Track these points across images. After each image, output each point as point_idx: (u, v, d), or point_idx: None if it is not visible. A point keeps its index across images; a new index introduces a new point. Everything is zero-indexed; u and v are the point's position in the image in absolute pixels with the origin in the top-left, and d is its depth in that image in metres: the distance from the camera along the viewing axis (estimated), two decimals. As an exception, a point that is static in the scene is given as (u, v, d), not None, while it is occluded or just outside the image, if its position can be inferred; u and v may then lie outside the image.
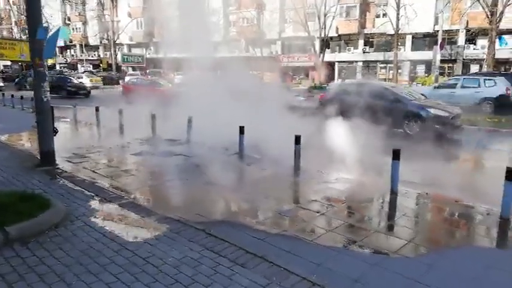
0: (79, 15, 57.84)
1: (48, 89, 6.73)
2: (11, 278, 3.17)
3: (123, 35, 50.94)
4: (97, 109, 11.97)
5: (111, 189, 5.61)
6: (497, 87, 15.83)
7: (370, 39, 39.61)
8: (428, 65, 36.39)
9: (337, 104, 12.12)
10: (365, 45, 39.68)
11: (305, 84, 35.55)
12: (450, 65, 36.46)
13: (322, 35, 36.26)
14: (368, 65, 40.22)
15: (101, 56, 57.73)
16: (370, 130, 8.71)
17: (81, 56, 57.99)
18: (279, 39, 42.08)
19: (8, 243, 3.75)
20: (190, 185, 6.02)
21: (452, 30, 34.36)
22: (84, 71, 47.16)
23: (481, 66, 35.01)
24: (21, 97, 17.39)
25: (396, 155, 5.65)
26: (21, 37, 50.91)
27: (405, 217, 4.87)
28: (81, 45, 57.08)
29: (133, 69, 49.51)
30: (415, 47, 37.89)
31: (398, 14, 32.35)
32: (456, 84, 17.36)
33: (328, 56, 38.46)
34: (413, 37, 37.38)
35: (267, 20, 41.45)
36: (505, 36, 33.31)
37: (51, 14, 54.70)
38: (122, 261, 3.46)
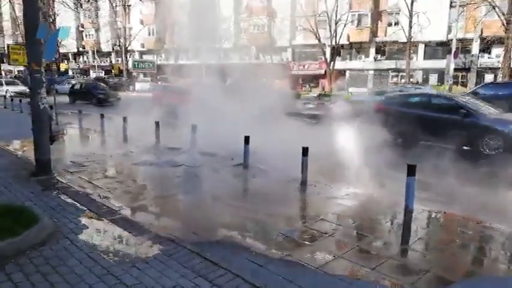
0: (92, 22, 58.52)
1: (45, 95, 6.45)
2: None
3: (134, 41, 51.31)
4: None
5: (105, 203, 5.26)
6: None
7: (382, 48, 39.11)
8: (441, 74, 35.70)
9: (397, 117, 10.63)
10: (376, 54, 39.18)
11: (315, 92, 35.16)
12: (464, 73, 35.74)
13: (333, 43, 35.87)
14: (380, 73, 39.68)
15: (113, 62, 58.22)
16: (437, 150, 8.15)
17: (93, 62, 58.52)
18: (290, 47, 41.82)
19: (-18, 265, 3.42)
20: (190, 199, 5.65)
21: (466, 38, 33.70)
22: (73, 76, 47.85)
23: (495, 76, 34.28)
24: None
25: (412, 170, 5.21)
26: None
27: (423, 241, 4.43)
28: (93, 52, 57.61)
29: (144, 75, 49.75)
30: (427, 56, 37.28)
31: (411, 22, 31.84)
32: (394, 91, 19.21)
33: (339, 64, 38.01)
34: (425, 45, 36.80)
35: (278, 27, 41.26)
36: (521, 45, 32.52)
37: (65, 21, 55.72)
38: (103, 290, 3.10)
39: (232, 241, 4.20)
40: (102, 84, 29.36)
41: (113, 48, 55.12)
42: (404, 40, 33.93)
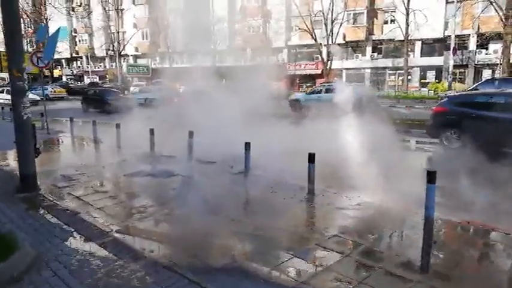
0: (85, 27, 57.91)
1: (29, 104, 5.95)
2: None
3: (128, 45, 50.77)
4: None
5: (95, 223, 4.77)
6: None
7: (378, 46, 38.76)
8: (439, 70, 35.40)
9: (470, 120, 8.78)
10: (373, 52, 38.82)
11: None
12: (462, 70, 35.38)
13: (330, 42, 35.48)
14: (376, 71, 39.33)
15: (107, 67, 57.62)
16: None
17: (87, 67, 57.90)
18: (285, 47, 41.41)
19: None
20: (188, 215, 5.14)
21: (463, 35, 33.34)
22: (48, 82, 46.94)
23: (493, 71, 33.99)
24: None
25: (431, 177, 4.74)
26: (27, 49, 51.02)
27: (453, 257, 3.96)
28: (87, 57, 57.00)
29: (139, 79, 49.18)
30: (424, 53, 36.95)
31: (407, 19, 31.49)
32: (322, 90, 20.47)
33: (336, 64, 37.62)
34: (422, 43, 36.45)
35: (273, 28, 40.85)
36: (519, 40, 32.24)
37: (58, 26, 55.09)
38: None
39: (237, 266, 3.71)
40: (116, 90, 26.37)
41: (107, 53, 54.52)
42: (401, 38, 33.59)
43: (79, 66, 61.26)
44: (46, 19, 56.52)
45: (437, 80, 35.23)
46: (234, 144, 7.07)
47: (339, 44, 37.70)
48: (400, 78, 37.57)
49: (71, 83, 52.36)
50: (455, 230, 4.71)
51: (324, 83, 25.76)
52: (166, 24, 44.26)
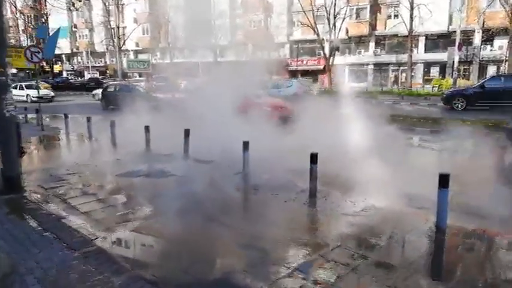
0: (85, 22, 57.47)
1: (12, 101, 5.58)
2: None
3: (129, 41, 50.34)
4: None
5: (79, 230, 4.40)
6: (293, 87, 21.12)
7: (382, 41, 38.25)
8: (443, 66, 34.89)
9: None
10: (376, 47, 38.31)
11: (314, 88, 34.27)
12: (466, 66, 34.86)
13: (332, 38, 34.95)
14: (379, 67, 38.83)
15: (108, 62, 57.24)
16: None
17: (87, 62, 57.54)
18: (287, 42, 40.92)
19: None
20: (180, 222, 4.76)
21: (467, 30, 32.77)
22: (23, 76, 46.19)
23: (498, 68, 33.44)
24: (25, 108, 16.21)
25: (444, 181, 4.36)
26: (27, 45, 50.63)
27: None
28: (87, 52, 56.62)
29: (140, 75, 48.74)
30: (428, 48, 36.42)
31: (412, 14, 30.93)
32: (282, 84, 21.79)
33: (338, 59, 37.12)
34: (426, 38, 35.92)
35: (275, 22, 40.35)
36: (525, 36, 31.67)
37: (58, 21, 54.66)
38: None
39: (232, 281, 3.34)
40: (139, 86, 23.94)
41: (107, 49, 54.10)
42: (405, 33, 33.04)
43: (79, 62, 60.90)
44: (46, 14, 56.21)
45: (441, 76, 34.72)
46: (233, 142, 6.69)
47: (341, 40, 37.20)
48: (404, 74, 37.10)
49: (71, 79, 52.03)
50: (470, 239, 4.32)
51: (281, 78, 26.54)
52: (167, 19, 43.83)
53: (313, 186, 5.60)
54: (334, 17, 34.49)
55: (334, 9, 34.14)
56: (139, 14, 50.11)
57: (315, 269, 3.56)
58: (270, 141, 7.70)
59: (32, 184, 6.19)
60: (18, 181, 5.74)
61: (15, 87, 27.71)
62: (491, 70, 34.07)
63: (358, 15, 37.16)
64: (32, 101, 24.98)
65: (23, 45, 47.44)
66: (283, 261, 3.69)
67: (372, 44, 38.32)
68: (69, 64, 62.12)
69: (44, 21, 57.20)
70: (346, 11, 35.13)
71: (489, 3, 28.30)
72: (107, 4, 49.11)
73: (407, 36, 32.76)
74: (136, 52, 53.90)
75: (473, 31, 33.63)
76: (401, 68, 37.59)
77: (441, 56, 34.19)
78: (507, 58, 27.37)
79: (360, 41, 38.93)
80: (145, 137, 8.83)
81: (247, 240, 4.13)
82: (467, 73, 35.07)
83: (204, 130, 8.14)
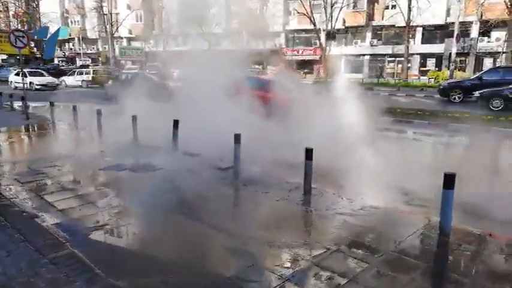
0: (77, 7, 56.22)
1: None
2: None
3: (122, 28, 49.35)
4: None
5: (51, 231, 4.03)
6: None
7: (378, 32, 37.78)
8: (439, 58, 34.59)
9: None
10: (373, 38, 37.85)
11: (310, 79, 33.83)
12: (462, 58, 34.57)
13: (329, 27, 34.41)
14: (376, 58, 38.43)
15: (100, 49, 56.19)
16: None
17: (79, 49, 56.45)
18: (283, 32, 40.30)
19: None
20: (164, 223, 4.40)
21: (465, 22, 32.40)
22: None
23: (494, 60, 33.21)
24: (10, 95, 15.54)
25: (449, 181, 4.03)
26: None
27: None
28: (79, 39, 55.53)
29: (132, 63, 47.88)
30: (425, 40, 36.04)
31: (410, 4, 30.47)
32: None
33: (335, 50, 36.63)
34: (423, 29, 35.51)
35: (271, 11, 39.63)
36: (522, 28, 31.38)
37: (49, 6, 53.37)
38: None
39: (216, 293, 3.01)
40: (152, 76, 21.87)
41: (100, 35, 53.04)
42: (402, 24, 32.62)
43: (71, 48, 59.73)
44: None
45: (437, 68, 34.43)
46: (226, 134, 6.30)
47: (338, 30, 36.68)
48: (400, 65, 36.74)
49: (62, 65, 51.02)
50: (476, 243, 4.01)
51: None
52: (160, 6, 42.91)
53: (307, 183, 5.27)
54: (331, 6, 33.93)
55: (331, -2, 33.60)
56: (133, 0, 49.07)
57: (309, 278, 3.23)
58: (261, 133, 7.36)
59: (7, 178, 5.80)
60: (-9, 175, 5.35)
61: (17, 74, 25.90)
62: (488, 62, 33.84)
63: (355, 5, 36.59)
64: (36, 89, 24.16)
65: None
66: (274, 269, 3.35)
67: (368, 35, 37.87)
68: (61, 50, 60.92)
69: (35, 5, 56.00)
70: (343, 0, 34.55)
71: (488, -5, 27.94)
72: (99, -11, 48.02)
73: (404, 27, 32.35)
74: (129, 39, 52.93)
75: (471, 23, 33.29)
76: (397, 59, 37.23)
77: (438, 47, 33.87)
78: (504, 50, 27.12)
79: (357, 32, 38.44)
80: (132, 127, 8.43)
81: (236, 245, 3.79)
82: (463, 65, 34.81)
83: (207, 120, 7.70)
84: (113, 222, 4.31)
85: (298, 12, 35.93)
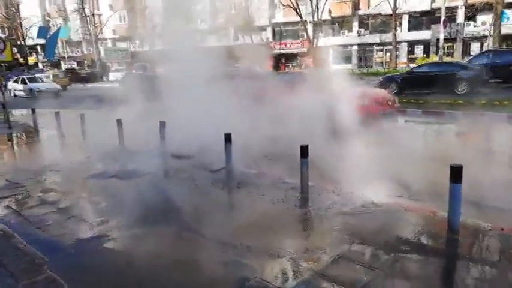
0: (59, 10, 55.15)
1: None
2: None
3: (106, 29, 48.55)
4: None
5: (28, 251, 3.68)
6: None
7: (365, 21, 37.63)
8: (427, 45, 34.53)
9: None
10: (360, 28, 37.69)
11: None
12: (450, 44, 34.56)
13: (315, 19, 34.09)
14: (364, 48, 38.31)
15: (85, 52, 55.25)
16: None
17: (63, 53, 55.43)
18: (269, 25, 39.92)
19: None
20: (152, 235, 4.04)
21: (450, 6, 32.33)
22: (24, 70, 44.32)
23: (481, 44, 33.25)
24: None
25: (456, 174, 3.77)
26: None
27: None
28: (62, 42, 54.51)
29: (118, 64, 47.11)
30: (411, 27, 35.97)
31: (395, -9, 30.33)
32: None
33: (322, 41, 36.37)
34: (410, 16, 35.41)
35: (256, 5, 39.19)
36: (507, 11, 31.42)
37: (29, 9, 52.23)
38: None
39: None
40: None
41: (84, 38, 52.10)
42: (389, 12, 32.49)
43: (55, 53, 58.63)
44: (17, 3, 53.67)
45: (425, 55, 34.37)
46: (217, 134, 5.98)
47: (324, 21, 36.41)
48: (388, 54, 36.63)
49: (47, 70, 50.06)
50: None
51: None
52: (143, 5, 42.15)
53: (304, 183, 4.97)
54: (317, -3, 33.66)
55: (317, -11, 33.30)
56: (115, 1, 48.22)
57: (314, 291, 2.94)
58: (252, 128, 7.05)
59: (-14, 192, 5.42)
60: (-36, 192, 4.97)
61: (16, 81, 25.75)
62: (475, 47, 33.90)
63: (340, -6, 36.37)
64: (36, 96, 22.95)
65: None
66: (275, 281, 3.05)
67: (355, 24, 37.70)
68: (45, 55, 59.80)
69: (15, 10, 54.73)
70: (328, -10, 34.30)
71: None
72: (80, -10, 47.12)
73: (391, 15, 32.23)
74: (114, 40, 52.10)
75: (457, 8, 33.27)
76: (385, 48, 37.13)
77: (425, 34, 33.82)
78: (491, 34, 27.09)
79: (344, 22, 38.26)
80: (117, 131, 8.06)
81: (231, 256, 3.48)
82: (451, 51, 34.82)
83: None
84: (97, 239, 3.97)
85: (284, 5, 35.56)
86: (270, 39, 40.33)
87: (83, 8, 47.55)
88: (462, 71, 15.53)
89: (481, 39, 33.22)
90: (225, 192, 5.34)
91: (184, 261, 3.51)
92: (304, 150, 4.96)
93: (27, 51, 56.36)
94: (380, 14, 34.71)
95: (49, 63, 57.52)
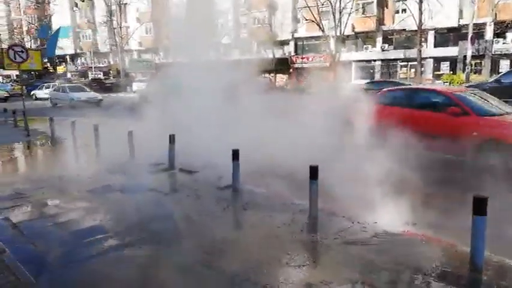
0: (88, 22, 56.98)
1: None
2: None
3: (132, 40, 49.71)
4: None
5: (17, 269, 3.50)
6: None
7: (389, 36, 37.03)
8: (453, 62, 33.60)
9: None
10: (384, 43, 37.10)
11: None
12: (478, 61, 33.51)
13: (338, 34, 33.82)
14: (387, 63, 37.63)
15: (111, 62, 56.68)
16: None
17: (91, 63, 57.09)
18: (292, 40, 39.88)
19: None
20: (148, 259, 3.80)
21: (479, 23, 31.45)
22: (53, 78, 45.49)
23: (511, 61, 32.13)
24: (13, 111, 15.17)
25: (481, 206, 3.38)
26: (31, 46, 50.23)
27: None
28: (91, 53, 56.21)
29: (143, 75, 48.02)
30: (438, 43, 35.13)
31: (421, 7, 29.73)
32: None
33: (344, 56, 35.98)
34: (436, 32, 34.63)
35: (279, 20, 39.31)
36: (539, 28, 30.34)
37: (60, 22, 54.23)
38: None
39: None
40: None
41: (111, 49, 53.53)
42: (413, 27, 31.85)
43: (83, 63, 60.41)
44: (49, 16, 55.86)
45: (451, 72, 33.45)
46: (228, 148, 5.75)
47: (347, 36, 36.09)
48: (413, 70, 35.86)
49: (75, 80, 51.55)
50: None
51: None
52: (169, 19, 43.03)
53: (313, 206, 4.65)
54: (340, 12, 33.39)
55: (340, 4, 33.04)
56: (142, 13, 49.50)
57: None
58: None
59: (-12, 203, 5.34)
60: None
61: (58, 90, 25.19)
62: (504, 64, 32.76)
63: (364, 10, 36.00)
64: (77, 106, 21.93)
65: (27, 46, 47.00)
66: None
67: (379, 40, 37.16)
68: (73, 65, 61.75)
69: (47, 22, 56.95)
70: (352, 5, 34.00)
71: (503, -5, 27.06)
72: (109, 4, 48.55)
73: (416, 31, 31.59)
74: (139, 52, 53.23)
75: (485, 24, 32.34)
76: (409, 63, 36.38)
77: (451, 50, 32.92)
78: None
79: (367, 37, 37.77)
80: (128, 143, 7.95)
81: None
82: (479, 68, 33.77)
83: None
84: (89, 258, 3.76)
85: (306, 20, 35.49)
86: (292, 53, 40.23)
87: (111, 21, 48.95)
88: None
89: (510, 56, 32.11)
90: (229, 213, 5.06)
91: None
92: (314, 171, 4.65)
93: (57, 61, 58.32)
94: (405, 29, 34.07)
95: (77, 73, 59.34)
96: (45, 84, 34.75)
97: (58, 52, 56.07)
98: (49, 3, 56.30)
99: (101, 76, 53.55)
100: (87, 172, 7.09)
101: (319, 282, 3.24)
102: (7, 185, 6.29)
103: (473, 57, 31.47)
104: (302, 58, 38.30)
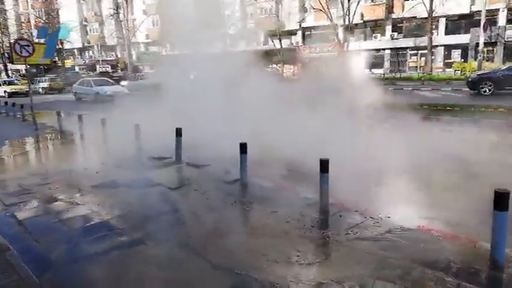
0: (95, 15, 56.94)
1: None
2: None
3: (139, 33, 49.57)
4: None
5: (20, 269, 3.42)
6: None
7: (399, 24, 36.32)
8: (465, 49, 32.89)
9: None
10: (393, 31, 36.43)
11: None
12: (490, 48, 32.72)
13: (346, 22, 33.24)
14: (397, 52, 36.97)
15: (119, 55, 56.70)
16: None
17: (99, 56, 57.19)
18: (300, 29, 39.38)
19: None
20: (154, 260, 3.69)
21: (491, 9, 30.62)
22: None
23: (525, 49, 31.34)
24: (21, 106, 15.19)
25: (502, 200, 3.19)
26: (39, 40, 50.40)
27: None
28: (98, 46, 56.26)
29: (150, 67, 47.95)
30: (449, 31, 34.36)
31: (431, -6, 29.06)
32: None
33: (353, 45, 35.42)
34: (447, 19, 33.85)
35: (286, 9, 38.79)
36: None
37: (68, 15, 54.30)
38: None
39: None
40: None
41: (118, 42, 53.46)
42: (424, 15, 31.17)
43: (91, 56, 60.54)
44: (57, 10, 55.92)
45: (463, 60, 32.76)
46: (237, 140, 5.62)
47: (356, 24, 35.48)
48: (423, 58, 35.21)
49: (83, 73, 51.67)
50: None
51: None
52: (176, 10, 42.75)
53: (324, 201, 4.50)
54: (348, 0, 32.79)
55: (349, -8, 32.47)
56: (149, 6, 49.23)
57: None
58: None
59: (-2, 196, 5.29)
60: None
61: (82, 84, 24.43)
62: (517, 51, 31.98)
63: (373, -2, 35.34)
64: (103, 100, 21.35)
65: (35, 40, 47.18)
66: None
67: (388, 28, 36.48)
68: (81, 58, 61.94)
69: (54, 15, 57.02)
70: (360, -7, 33.37)
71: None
72: (115, -4, 48.43)
73: (426, 18, 30.92)
74: (147, 44, 53.11)
75: (498, 10, 31.51)
76: (419, 52, 35.71)
77: (463, 38, 32.21)
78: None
79: (376, 25, 37.12)
80: (135, 136, 7.85)
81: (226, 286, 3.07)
82: (491, 55, 33.01)
83: None
84: (93, 257, 3.67)
85: (314, 9, 34.94)
86: (300, 43, 39.74)
87: (118, 13, 48.80)
88: None
89: (524, 43, 31.34)
90: (237, 208, 4.92)
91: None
92: (324, 164, 4.49)
93: (65, 55, 58.49)
94: (415, 17, 33.37)
95: (85, 66, 59.50)
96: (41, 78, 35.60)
97: (67, 46, 56.21)
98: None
99: (109, 69, 53.59)
100: (93, 166, 7.01)
101: (331, 281, 3.09)
102: (15, 180, 6.23)
103: (486, 44, 30.72)
104: (310, 48, 37.82)
